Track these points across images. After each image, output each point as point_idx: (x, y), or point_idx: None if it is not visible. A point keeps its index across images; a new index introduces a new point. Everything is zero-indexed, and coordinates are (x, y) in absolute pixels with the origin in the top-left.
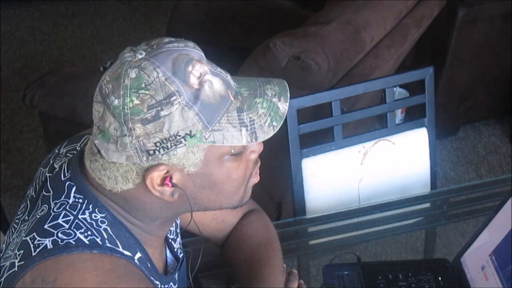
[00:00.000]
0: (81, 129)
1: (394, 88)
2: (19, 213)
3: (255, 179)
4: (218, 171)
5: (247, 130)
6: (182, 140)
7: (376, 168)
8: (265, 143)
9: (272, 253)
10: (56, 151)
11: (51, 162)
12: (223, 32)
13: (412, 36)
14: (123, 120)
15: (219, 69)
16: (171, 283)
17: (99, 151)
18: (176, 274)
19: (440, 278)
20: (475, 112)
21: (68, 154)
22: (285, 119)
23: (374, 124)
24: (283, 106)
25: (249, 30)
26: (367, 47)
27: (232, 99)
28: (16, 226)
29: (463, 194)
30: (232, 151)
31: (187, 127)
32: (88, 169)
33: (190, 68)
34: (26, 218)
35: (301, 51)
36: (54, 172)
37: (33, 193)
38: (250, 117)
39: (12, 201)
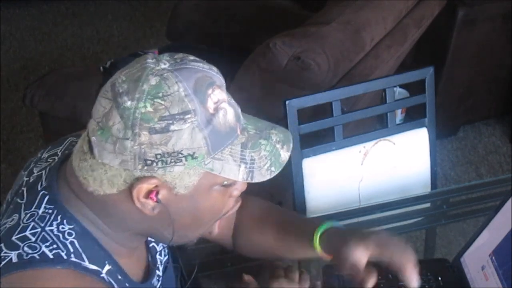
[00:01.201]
0: (81, 129)
1: (394, 88)
2: None
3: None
4: (205, 199)
5: (246, 167)
6: (183, 159)
7: (376, 168)
8: None
9: (290, 215)
10: (39, 155)
11: (31, 166)
12: (223, 32)
13: (412, 36)
14: (130, 123)
15: (233, 100)
16: None
17: (91, 150)
18: (154, 279)
19: (440, 278)
20: (475, 112)
21: (49, 159)
22: (285, 119)
23: (374, 124)
24: (285, 155)
25: (249, 30)
26: (367, 47)
27: (239, 133)
28: None
29: (463, 194)
30: (225, 182)
31: (192, 148)
32: (75, 167)
33: (210, 92)
34: (1, 222)
35: (301, 51)
36: (31, 179)
37: (9, 198)
38: (251, 156)
39: None
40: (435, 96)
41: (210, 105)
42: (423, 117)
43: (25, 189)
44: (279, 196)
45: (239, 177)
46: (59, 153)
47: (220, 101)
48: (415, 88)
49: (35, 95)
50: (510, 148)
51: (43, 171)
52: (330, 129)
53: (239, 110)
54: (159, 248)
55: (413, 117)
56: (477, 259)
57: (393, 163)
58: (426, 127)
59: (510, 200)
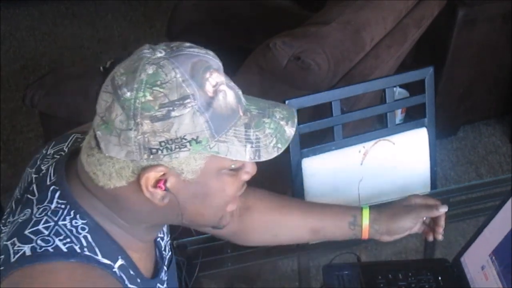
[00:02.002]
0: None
1: (394, 88)
2: (5, 214)
3: (233, 205)
4: (214, 183)
5: (251, 147)
6: (187, 144)
7: (376, 168)
8: None
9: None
10: (44, 151)
11: (38, 163)
12: (223, 32)
13: (412, 36)
14: (132, 114)
15: (233, 83)
16: (158, 284)
17: (97, 145)
18: (163, 273)
19: (440, 278)
20: (475, 112)
21: (55, 156)
22: None
23: (374, 124)
24: (290, 130)
25: (249, 30)
26: (367, 47)
27: (242, 114)
28: (2, 227)
29: (463, 194)
30: (233, 166)
31: (195, 132)
32: (84, 163)
33: (207, 75)
34: (11, 220)
35: (301, 51)
36: (41, 174)
37: (18, 195)
38: (256, 135)
39: None
40: (435, 96)
41: (209, 89)
42: (423, 117)
43: (34, 185)
44: None
45: (246, 157)
46: (65, 149)
47: (219, 84)
48: (415, 88)
49: (35, 95)
50: (510, 148)
51: (50, 167)
52: (329, 129)
53: (240, 92)
54: (163, 243)
55: (413, 117)
56: (477, 259)
57: (393, 163)
58: (426, 127)
59: (510, 200)
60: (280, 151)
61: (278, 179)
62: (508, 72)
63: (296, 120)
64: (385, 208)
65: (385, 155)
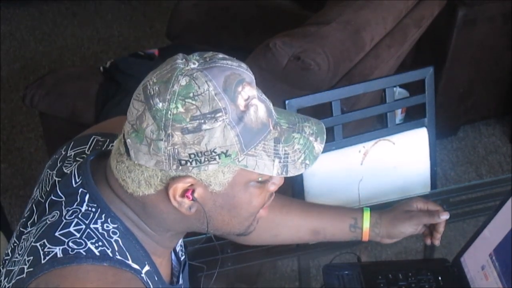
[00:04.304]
0: (81, 129)
1: (394, 88)
2: (25, 215)
3: (264, 212)
4: (241, 195)
5: (280, 162)
6: (217, 157)
7: (376, 168)
8: None
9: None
10: (63, 152)
11: (58, 164)
12: (223, 32)
13: (412, 36)
14: (163, 125)
15: (264, 96)
16: None
17: (127, 152)
18: (181, 278)
19: (440, 278)
20: (475, 112)
21: (77, 158)
22: None
23: (374, 124)
24: (319, 147)
25: (249, 30)
26: (367, 47)
27: (272, 128)
28: (23, 229)
29: (463, 194)
30: (260, 179)
31: (225, 145)
32: (113, 169)
33: (240, 89)
34: (35, 221)
35: (301, 51)
36: (64, 177)
37: (40, 197)
38: (285, 150)
39: (12, 201)
40: (435, 96)
41: (241, 102)
42: (423, 117)
43: (58, 188)
44: None
45: (274, 172)
46: (87, 152)
47: (251, 98)
48: (415, 88)
49: (35, 95)
50: (510, 148)
51: (74, 169)
52: (329, 129)
53: (271, 105)
54: (178, 248)
55: (413, 117)
56: (477, 259)
57: (393, 163)
58: (426, 127)
59: (510, 200)
60: (308, 168)
61: None
62: (508, 72)
63: (325, 136)
64: (387, 212)
65: (385, 155)
